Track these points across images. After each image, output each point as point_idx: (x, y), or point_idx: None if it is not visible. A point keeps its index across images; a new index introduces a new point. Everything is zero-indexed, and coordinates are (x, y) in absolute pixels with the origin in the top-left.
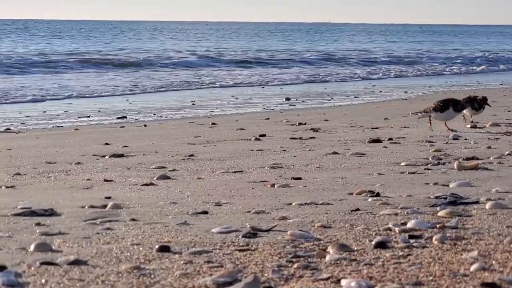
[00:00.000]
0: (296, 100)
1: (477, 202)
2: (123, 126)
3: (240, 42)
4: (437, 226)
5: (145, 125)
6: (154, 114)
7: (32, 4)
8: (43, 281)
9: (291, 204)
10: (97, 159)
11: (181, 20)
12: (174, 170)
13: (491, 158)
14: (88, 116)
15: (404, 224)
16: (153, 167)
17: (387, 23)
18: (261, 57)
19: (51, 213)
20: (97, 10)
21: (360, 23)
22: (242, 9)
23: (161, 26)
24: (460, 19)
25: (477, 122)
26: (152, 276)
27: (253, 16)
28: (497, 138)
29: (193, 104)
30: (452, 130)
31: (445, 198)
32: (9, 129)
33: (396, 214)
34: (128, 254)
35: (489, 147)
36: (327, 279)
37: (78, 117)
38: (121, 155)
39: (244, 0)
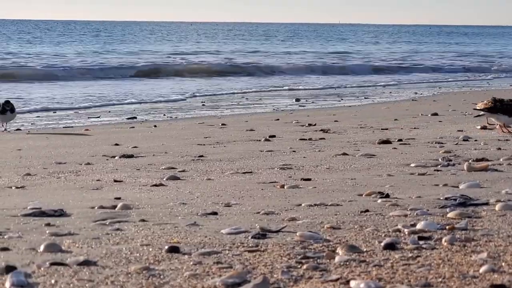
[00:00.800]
0: (306, 101)
1: (486, 204)
2: (133, 127)
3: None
4: (447, 227)
5: (155, 126)
6: (164, 115)
7: (31, 4)
8: (52, 281)
9: (300, 205)
10: (107, 159)
11: (182, 21)
12: (183, 170)
13: (501, 160)
14: (98, 117)
15: (414, 225)
16: (163, 167)
17: (391, 23)
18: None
19: (60, 213)
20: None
21: (367, 24)
22: (241, 9)
23: (168, 26)
24: (459, 20)
25: (488, 124)
26: (161, 276)
27: (252, 16)
28: (507, 140)
29: (203, 105)
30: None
31: (455, 200)
32: (19, 129)
33: (406, 216)
34: (138, 254)
35: (499, 149)
36: (336, 280)
37: (88, 117)
38: (131, 156)
39: (244, 0)
